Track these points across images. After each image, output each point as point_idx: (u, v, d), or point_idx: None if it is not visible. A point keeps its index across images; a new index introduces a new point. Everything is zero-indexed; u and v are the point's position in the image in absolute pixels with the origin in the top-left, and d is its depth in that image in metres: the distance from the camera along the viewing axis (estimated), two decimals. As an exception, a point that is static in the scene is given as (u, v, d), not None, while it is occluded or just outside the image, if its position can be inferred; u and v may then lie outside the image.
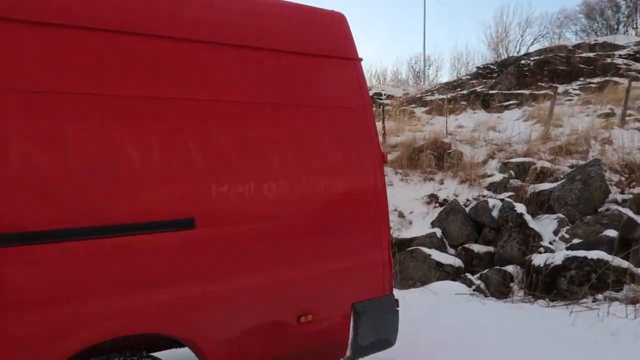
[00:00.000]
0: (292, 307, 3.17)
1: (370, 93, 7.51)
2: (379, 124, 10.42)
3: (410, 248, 7.20)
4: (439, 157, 9.58)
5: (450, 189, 8.56)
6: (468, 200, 8.06)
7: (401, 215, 8.09)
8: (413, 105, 17.39)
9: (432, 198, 8.31)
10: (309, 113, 3.34)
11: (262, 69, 3.17)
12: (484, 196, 7.94)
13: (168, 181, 2.74)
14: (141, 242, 2.64)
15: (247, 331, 2.98)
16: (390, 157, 9.32)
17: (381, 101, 17.77)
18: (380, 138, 9.54)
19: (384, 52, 66.37)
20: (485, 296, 6.19)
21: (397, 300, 3.61)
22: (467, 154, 9.55)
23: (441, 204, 8.11)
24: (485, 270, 6.68)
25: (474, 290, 6.26)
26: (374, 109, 8.27)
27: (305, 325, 3.21)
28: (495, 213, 7.39)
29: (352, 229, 3.45)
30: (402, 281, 6.74)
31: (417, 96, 19.75)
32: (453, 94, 17.58)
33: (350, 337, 3.41)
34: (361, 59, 3.61)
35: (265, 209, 3.04)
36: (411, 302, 5.20)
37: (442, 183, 8.89)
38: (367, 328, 3.46)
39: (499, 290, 6.31)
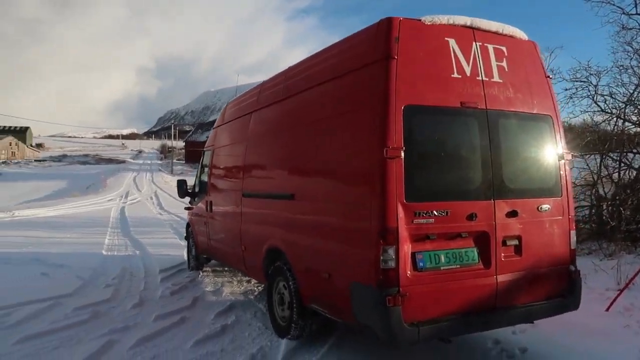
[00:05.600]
0: (325, 263, 4.35)
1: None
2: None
3: None
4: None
5: None
6: None
7: None
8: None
9: None
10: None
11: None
12: None
13: None
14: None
15: (311, 258, 4.61)
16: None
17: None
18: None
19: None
20: None
21: (388, 298, 3.50)
22: None
23: None
24: None
25: None
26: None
27: (327, 280, 4.24)
28: None
29: (348, 221, 4.03)
30: None
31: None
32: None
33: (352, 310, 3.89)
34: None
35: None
36: None
37: None
38: (357, 309, 3.84)
39: None
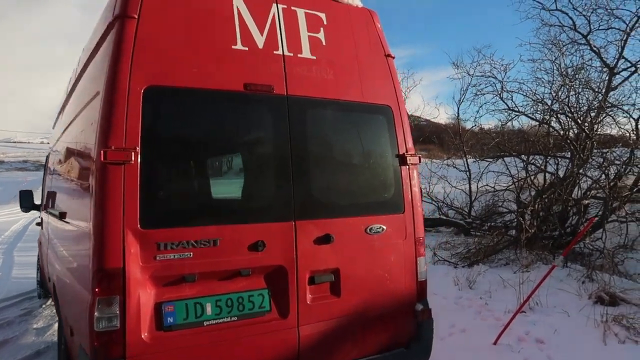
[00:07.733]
0: (69, 313, 3.23)
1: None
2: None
3: None
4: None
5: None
6: None
7: None
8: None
9: None
10: None
11: None
12: None
13: None
14: None
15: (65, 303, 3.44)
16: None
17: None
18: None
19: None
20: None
21: None
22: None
23: None
24: None
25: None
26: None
27: (70, 336, 3.14)
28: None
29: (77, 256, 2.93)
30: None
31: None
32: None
33: None
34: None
35: None
36: None
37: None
38: None
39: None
